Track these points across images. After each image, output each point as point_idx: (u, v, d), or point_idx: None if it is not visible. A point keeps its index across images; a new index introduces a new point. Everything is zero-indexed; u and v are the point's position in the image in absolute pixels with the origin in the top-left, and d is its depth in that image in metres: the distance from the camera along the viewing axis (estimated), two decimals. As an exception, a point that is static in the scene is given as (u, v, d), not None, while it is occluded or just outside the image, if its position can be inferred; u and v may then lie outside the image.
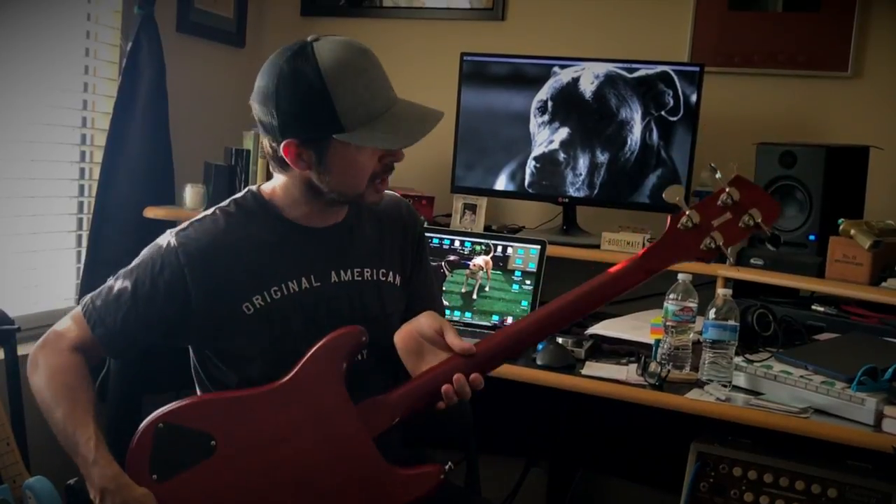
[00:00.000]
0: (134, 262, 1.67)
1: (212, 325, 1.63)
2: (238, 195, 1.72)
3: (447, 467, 1.54)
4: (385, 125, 1.55)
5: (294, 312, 1.64)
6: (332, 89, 1.51)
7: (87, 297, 1.68)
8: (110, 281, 1.68)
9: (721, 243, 1.58)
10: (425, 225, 1.90)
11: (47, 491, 2.03)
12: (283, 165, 1.61)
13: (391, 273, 1.75)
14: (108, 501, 1.53)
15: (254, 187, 1.72)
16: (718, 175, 1.61)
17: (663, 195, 1.62)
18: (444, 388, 1.53)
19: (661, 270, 1.60)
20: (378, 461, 1.53)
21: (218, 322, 1.62)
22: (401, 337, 1.63)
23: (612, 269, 1.61)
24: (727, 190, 1.58)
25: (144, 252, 1.67)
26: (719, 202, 1.59)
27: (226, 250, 1.63)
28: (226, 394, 1.63)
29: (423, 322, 1.61)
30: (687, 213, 1.59)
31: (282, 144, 1.57)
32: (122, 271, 1.67)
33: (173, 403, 1.60)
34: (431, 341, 1.59)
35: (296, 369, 1.57)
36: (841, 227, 2.28)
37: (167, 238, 1.65)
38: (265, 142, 1.63)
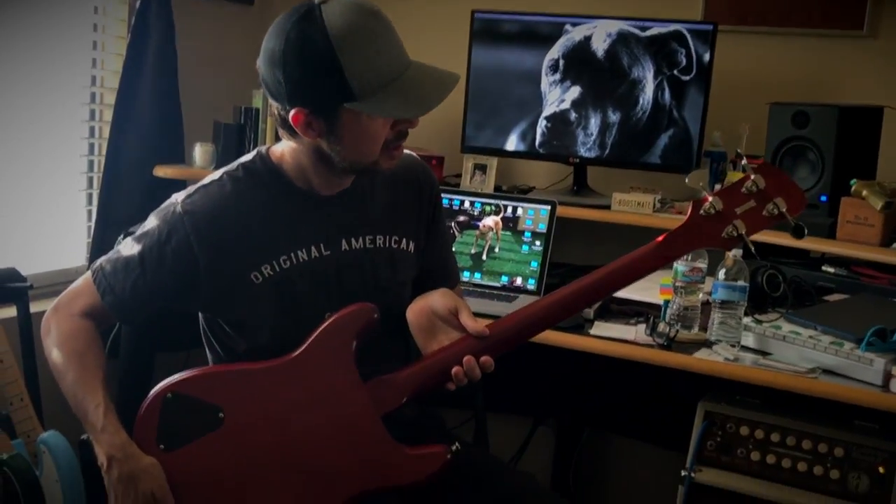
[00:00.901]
0: (142, 228, 1.65)
1: (220, 293, 1.62)
2: (246, 158, 1.68)
3: (454, 448, 1.54)
4: (398, 92, 1.48)
5: (303, 281, 1.63)
6: (342, 56, 1.44)
7: (98, 262, 1.67)
8: (120, 244, 1.68)
9: (743, 232, 1.55)
10: None
11: (61, 445, 2.07)
12: (291, 132, 1.56)
13: (404, 240, 1.73)
14: (114, 469, 1.54)
15: (263, 149, 1.68)
16: (744, 161, 1.60)
17: (686, 180, 1.61)
18: (455, 370, 1.53)
19: (679, 257, 1.59)
20: (386, 440, 1.54)
21: (226, 290, 1.61)
22: (413, 313, 1.62)
23: (630, 255, 1.59)
24: (752, 177, 1.55)
25: (152, 217, 1.65)
26: (744, 189, 1.56)
27: (233, 218, 1.61)
28: (236, 366, 1.63)
29: (438, 300, 1.60)
30: (710, 199, 1.56)
31: (290, 113, 1.51)
32: (131, 236, 1.67)
33: (183, 373, 1.61)
34: (445, 320, 1.58)
35: (306, 344, 1.57)
36: (853, 188, 2.27)
37: (174, 204, 1.63)
38: (273, 106, 1.57)
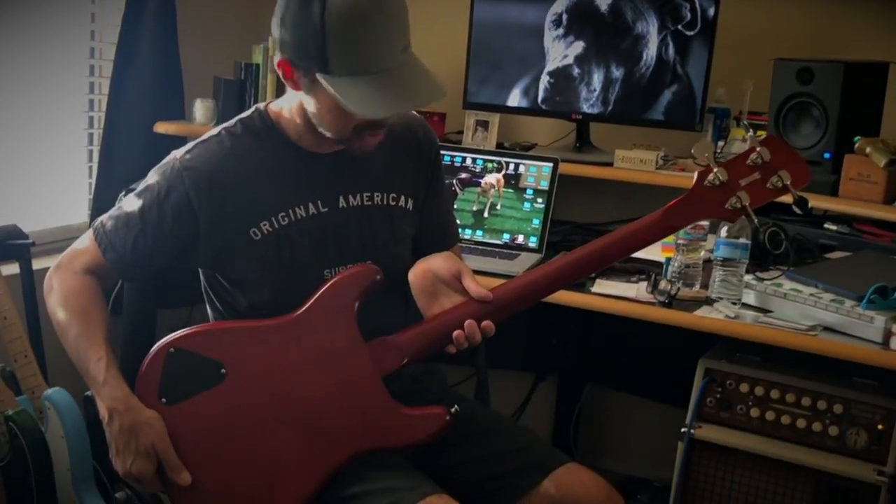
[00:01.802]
0: (142, 185, 1.65)
1: (220, 250, 1.63)
2: (245, 114, 1.68)
3: (453, 410, 1.55)
4: (368, 86, 1.47)
5: (302, 238, 1.63)
6: (329, 31, 1.44)
7: (99, 220, 1.68)
8: (121, 201, 1.68)
9: (747, 203, 1.55)
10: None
11: (66, 402, 2.08)
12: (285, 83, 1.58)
13: (403, 197, 1.72)
14: (116, 422, 1.55)
15: (262, 105, 1.68)
16: (750, 132, 1.59)
17: (692, 150, 1.60)
18: (456, 333, 1.54)
19: (683, 227, 1.59)
20: (386, 401, 1.55)
21: (226, 247, 1.62)
22: (415, 275, 1.62)
23: (633, 225, 1.59)
24: (758, 149, 1.55)
25: (152, 174, 1.65)
26: (748, 161, 1.56)
27: (231, 174, 1.61)
28: (239, 323, 1.64)
29: (441, 263, 1.60)
30: (714, 170, 1.56)
31: (277, 59, 1.53)
32: (132, 192, 1.67)
33: (186, 329, 1.62)
34: (447, 284, 1.59)
35: (309, 303, 1.58)
36: (857, 145, 2.26)
37: (172, 161, 1.63)
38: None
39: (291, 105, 1.62)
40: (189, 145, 1.66)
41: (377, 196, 1.69)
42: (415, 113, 1.79)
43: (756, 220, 1.58)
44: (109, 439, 1.58)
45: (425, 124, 1.79)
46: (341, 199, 1.66)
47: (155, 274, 1.70)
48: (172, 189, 1.60)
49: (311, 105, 1.55)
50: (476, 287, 1.57)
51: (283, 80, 1.55)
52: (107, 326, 1.62)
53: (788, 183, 1.55)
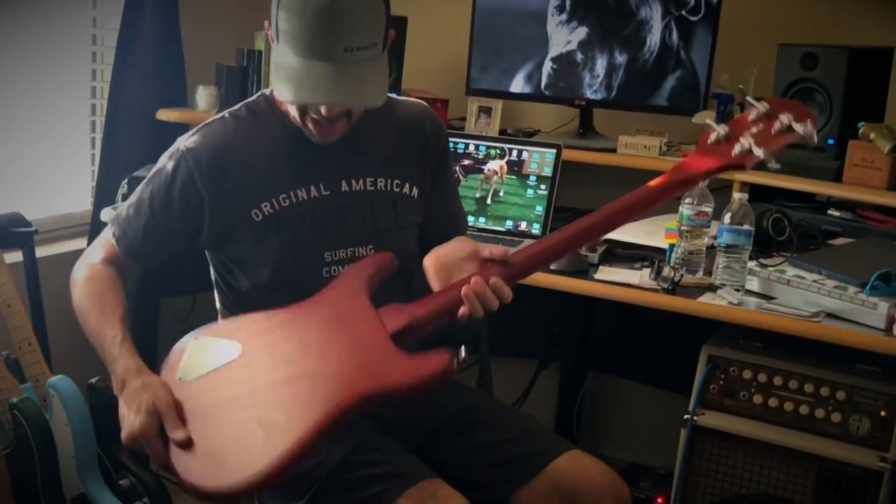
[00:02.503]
0: (151, 171, 1.68)
1: (222, 229, 1.64)
2: (251, 99, 1.71)
3: (459, 354, 1.53)
4: (296, 69, 1.49)
5: (302, 220, 1.63)
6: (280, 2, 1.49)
7: (115, 211, 1.74)
8: (124, 189, 1.70)
9: (753, 143, 1.51)
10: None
11: (70, 389, 2.09)
12: None
13: (407, 185, 1.72)
14: (124, 387, 1.52)
15: (267, 91, 1.69)
16: (749, 97, 1.58)
17: (693, 119, 1.59)
18: (464, 289, 1.49)
19: (696, 182, 1.57)
20: (392, 350, 1.48)
21: (228, 227, 1.63)
22: (430, 260, 1.60)
23: (644, 187, 1.58)
24: (757, 105, 1.55)
25: (160, 160, 1.68)
26: (751, 117, 1.55)
27: (234, 155, 1.63)
28: (259, 312, 1.61)
29: (456, 244, 1.59)
30: (718, 129, 1.55)
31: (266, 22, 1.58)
32: (142, 182, 1.70)
33: (210, 324, 1.63)
34: (464, 261, 1.55)
35: (327, 288, 1.57)
36: (861, 131, 2.25)
37: (177, 146, 1.66)
38: None
39: None
40: (194, 130, 1.68)
41: (381, 182, 1.69)
42: (424, 103, 1.79)
43: (774, 163, 1.53)
44: (120, 409, 1.56)
45: (434, 115, 1.79)
46: (344, 183, 1.66)
47: (169, 258, 1.72)
48: (178, 171, 1.63)
49: None
50: (494, 248, 1.53)
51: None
52: (123, 306, 1.62)
53: (791, 121, 1.52)
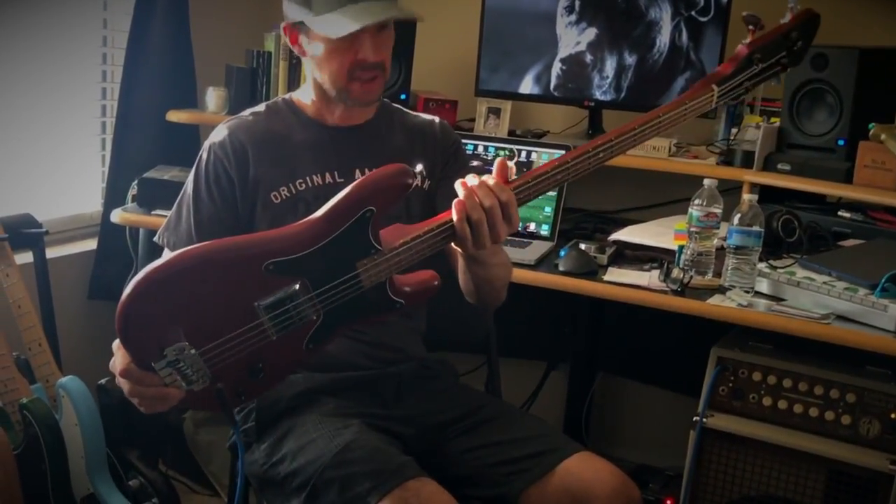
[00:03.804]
0: (186, 180, 1.77)
1: (249, 212, 1.73)
2: (269, 101, 1.85)
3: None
4: (344, 15, 1.62)
5: (317, 202, 1.63)
6: None
7: (158, 232, 1.79)
8: (176, 201, 1.78)
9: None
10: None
11: (80, 390, 2.10)
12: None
13: (418, 177, 1.79)
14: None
15: (286, 95, 1.85)
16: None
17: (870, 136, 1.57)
18: (455, 202, 1.43)
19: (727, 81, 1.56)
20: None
21: (252, 208, 1.73)
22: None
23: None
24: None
25: (193, 168, 1.77)
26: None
27: (256, 142, 1.74)
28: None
29: None
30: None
31: (282, 26, 1.73)
32: (178, 197, 1.78)
33: None
34: None
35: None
36: (871, 132, 2.23)
37: (205, 146, 1.76)
38: None
39: (308, 88, 1.78)
40: (217, 128, 1.79)
41: None
42: (437, 118, 1.90)
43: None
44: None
45: (447, 125, 1.90)
46: (357, 171, 1.75)
47: None
48: (209, 164, 1.74)
49: (314, 65, 1.71)
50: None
51: (293, 49, 1.74)
52: None
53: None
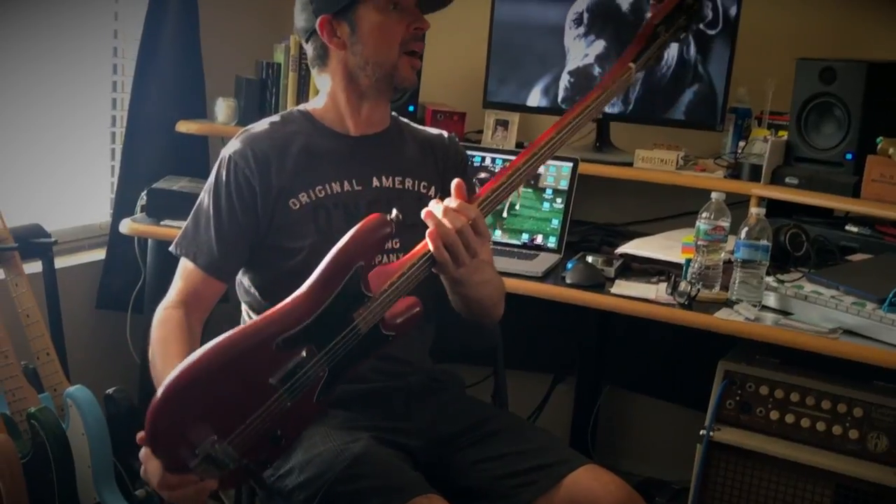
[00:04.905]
0: (203, 190, 1.77)
1: (268, 217, 1.72)
2: (285, 112, 1.85)
3: (393, 216, 1.50)
4: None
5: (336, 210, 1.73)
6: None
7: (175, 241, 1.76)
8: (192, 213, 1.77)
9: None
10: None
11: (87, 400, 2.10)
12: (323, 61, 1.75)
13: (433, 188, 1.82)
14: None
15: (300, 106, 1.85)
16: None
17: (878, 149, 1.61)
18: (424, 213, 1.50)
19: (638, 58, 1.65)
20: None
21: (272, 217, 1.72)
22: None
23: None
24: None
25: (208, 180, 1.77)
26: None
27: (274, 150, 1.74)
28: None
29: None
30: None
31: (317, 22, 1.70)
32: (193, 208, 1.77)
33: None
34: None
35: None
36: (879, 146, 2.24)
37: (220, 157, 1.76)
38: (308, 47, 1.77)
39: (324, 98, 1.80)
40: (232, 139, 1.79)
41: (408, 181, 1.81)
42: (444, 131, 1.94)
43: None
44: None
45: (455, 139, 1.93)
46: (374, 179, 1.78)
47: (244, 263, 1.76)
48: (230, 175, 1.73)
49: (355, 49, 1.71)
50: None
51: (327, 43, 1.72)
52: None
53: None
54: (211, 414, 1.40)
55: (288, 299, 1.47)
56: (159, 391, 1.38)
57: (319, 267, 1.46)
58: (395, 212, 1.50)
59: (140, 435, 1.40)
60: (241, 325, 1.48)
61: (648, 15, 1.66)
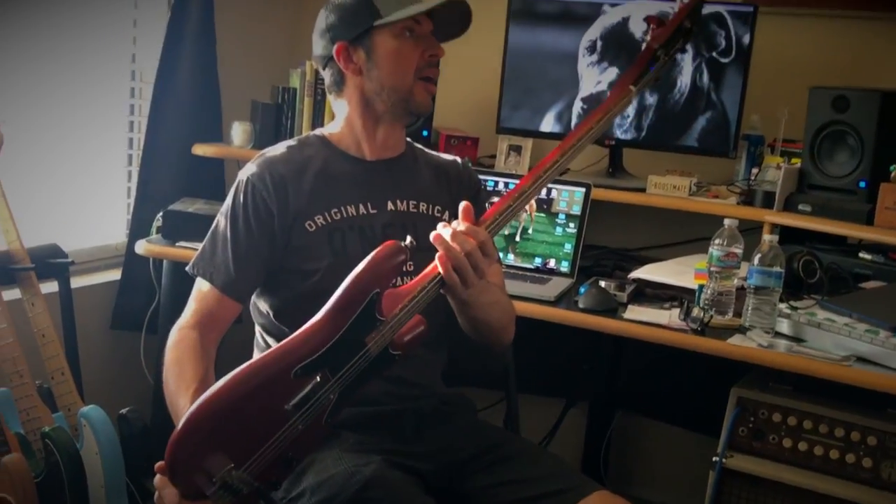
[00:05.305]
0: (220, 212, 1.78)
1: (285, 242, 1.74)
2: (302, 136, 1.87)
3: (407, 243, 1.52)
4: (418, 7, 1.69)
5: (352, 232, 1.75)
6: None
7: (192, 262, 1.77)
8: (208, 235, 1.78)
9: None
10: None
11: (101, 419, 2.11)
12: (340, 87, 1.78)
13: (447, 213, 1.83)
14: None
15: (316, 130, 1.87)
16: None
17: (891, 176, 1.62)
18: (433, 236, 1.51)
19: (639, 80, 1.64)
20: None
21: (288, 239, 1.73)
22: None
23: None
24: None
25: (225, 202, 1.79)
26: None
27: (291, 172, 1.76)
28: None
29: None
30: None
31: (334, 49, 1.73)
32: (210, 230, 1.78)
33: None
34: None
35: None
36: (893, 174, 2.24)
37: (238, 179, 1.78)
38: (325, 73, 1.79)
39: (340, 123, 1.82)
40: (249, 162, 1.81)
41: (423, 205, 1.82)
42: (458, 157, 1.96)
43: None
44: None
45: (469, 166, 1.95)
46: (389, 202, 1.80)
47: (259, 285, 1.78)
48: (247, 196, 1.74)
49: (371, 74, 1.73)
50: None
51: (343, 69, 1.75)
52: (201, 377, 1.63)
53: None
54: (229, 442, 1.42)
55: (305, 327, 1.48)
56: (180, 423, 1.40)
57: (336, 294, 1.48)
58: (409, 239, 1.52)
59: (159, 464, 1.42)
60: (260, 356, 1.50)
61: (648, 38, 1.67)
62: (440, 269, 1.50)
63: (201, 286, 1.75)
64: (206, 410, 1.41)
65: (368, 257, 1.49)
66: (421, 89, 1.75)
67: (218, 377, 1.49)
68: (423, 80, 1.74)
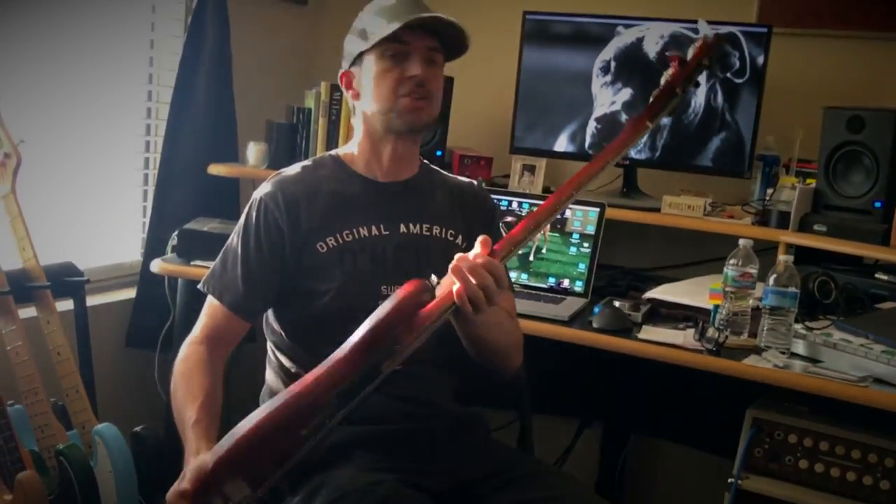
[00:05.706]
0: (234, 231, 1.80)
1: (296, 260, 1.75)
2: (317, 156, 1.90)
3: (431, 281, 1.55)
4: (390, 22, 1.72)
5: (363, 254, 1.76)
6: (363, 16, 1.77)
7: (204, 278, 1.80)
8: (221, 253, 1.81)
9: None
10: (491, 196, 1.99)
11: (115, 437, 2.12)
12: (353, 111, 1.84)
13: (460, 237, 1.84)
14: (186, 466, 1.59)
15: (331, 151, 1.89)
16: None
17: None
18: (455, 289, 1.52)
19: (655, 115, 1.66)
20: None
21: (299, 259, 1.75)
22: None
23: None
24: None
25: (240, 220, 1.81)
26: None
27: (304, 193, 1.78)
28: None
29: None
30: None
31: (339, 77, 1.82)
32: (222, 249, 1.81)
33: None
34: None
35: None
36: (908, 194, 2.23)
37: (252, 199, 1.80)
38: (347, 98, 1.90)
39: (356, 143, 1.84)
40: (265, 182, 1.83)
41: (436, 229, 1.83)
42: (473, 180, 1.98)
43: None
44: None
45: (484, 190, 1.97)
46: (402, 225, 1.80)
47: (270, 304, 1.80)
48: (259, 216, 1.77)
49: (364, 97, 1.78)
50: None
51: (348, 97, 1.83)
52: (207, 390, 1.68)
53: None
54: (250, 471, 1.47)
55: (329, 363, 1.51)
56: (212, 459, 1.46)
57: (361, 332, 1.50)
58: (434, 278, 1.54)
59: (182, 489, 1.47)
60: (285, 393, 1.52)
61: (669, 72, 1.67)
62: (456, 300, 1.53)
63: (211, 303, 1.78)
64: (237, 450, 1.47)
65: (394, 298, 1.51)
66: (406, 102, 1.75)
67: (228, 392, 1.53)
68: (405, 97, 1.75)
